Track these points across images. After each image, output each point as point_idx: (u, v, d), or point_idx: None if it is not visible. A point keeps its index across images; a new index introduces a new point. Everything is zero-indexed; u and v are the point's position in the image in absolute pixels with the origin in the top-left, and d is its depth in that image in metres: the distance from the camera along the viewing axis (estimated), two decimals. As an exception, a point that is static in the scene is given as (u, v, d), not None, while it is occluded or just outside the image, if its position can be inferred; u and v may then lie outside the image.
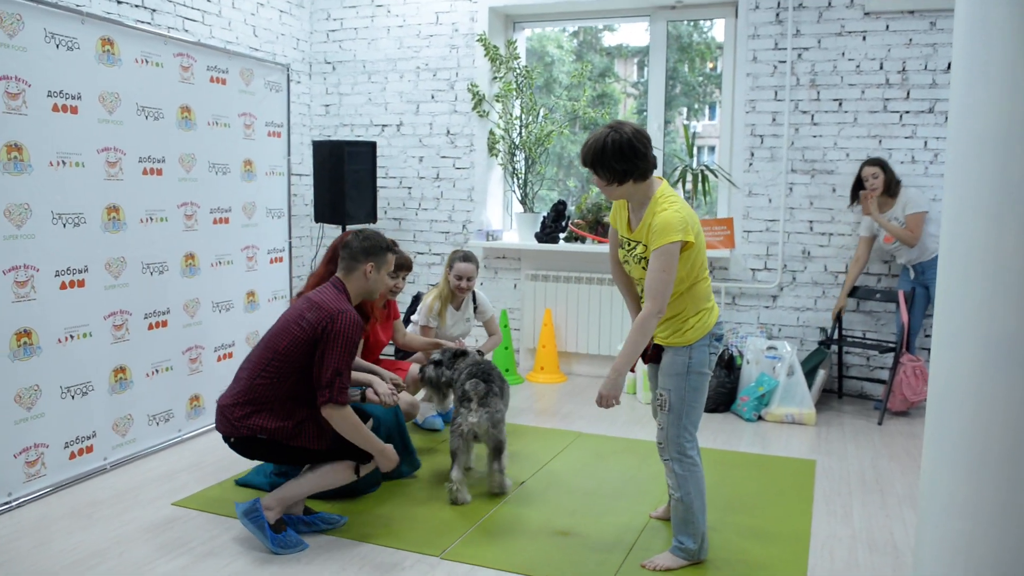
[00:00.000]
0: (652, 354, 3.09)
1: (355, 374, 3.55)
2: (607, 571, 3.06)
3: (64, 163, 3.69)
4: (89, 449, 3.88)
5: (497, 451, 3.71)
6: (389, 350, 4.74)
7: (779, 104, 5.49)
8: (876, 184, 5.04)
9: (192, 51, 4.40)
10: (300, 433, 3.11)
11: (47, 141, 3.61)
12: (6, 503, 3.48)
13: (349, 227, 5.63)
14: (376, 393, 3.52)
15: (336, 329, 3.02)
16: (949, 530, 1.92)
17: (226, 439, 3.16)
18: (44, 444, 3.65)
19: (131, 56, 4.01)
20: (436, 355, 4.05)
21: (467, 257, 4.69)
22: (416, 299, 5.59)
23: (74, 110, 3.73)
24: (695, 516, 3.04)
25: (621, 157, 2.79)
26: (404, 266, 4.30)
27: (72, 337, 3.77)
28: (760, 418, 5.09)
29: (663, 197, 2.88)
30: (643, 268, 2.91)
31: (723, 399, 5.23)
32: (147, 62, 4.11)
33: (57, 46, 3.63)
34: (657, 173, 3.01)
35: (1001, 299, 1.83)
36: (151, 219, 4.18)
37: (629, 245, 2.99)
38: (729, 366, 5.27)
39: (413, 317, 4.84)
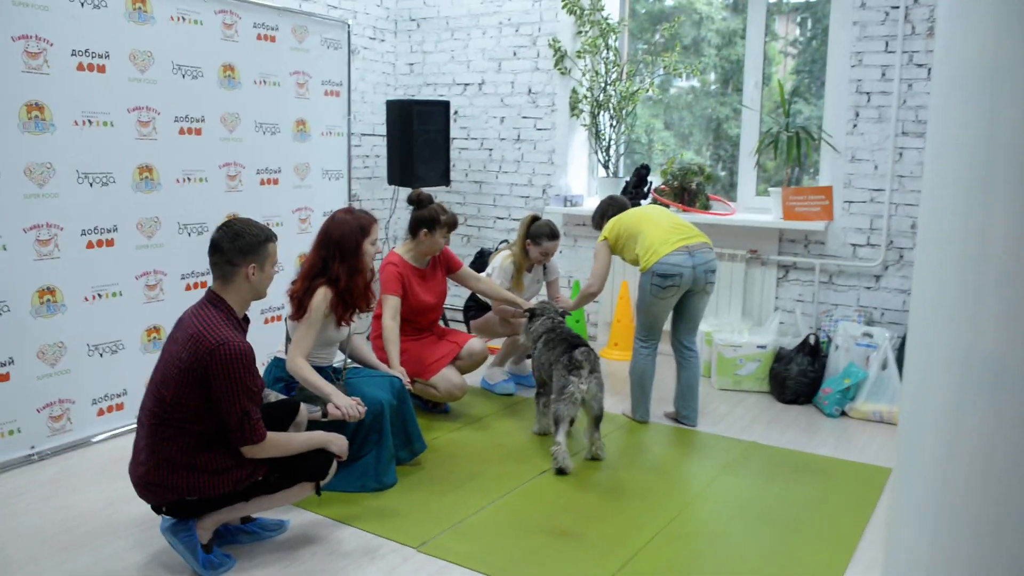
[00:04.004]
0: None
1: (315, 383, 3.23)
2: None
3: (90, 122, 3.70)
4: (120, 407, 3.94)
5: (597, 420, 3.76)
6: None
7: (890, 56, 4.79)
8: None
9: (236, 8, 4.32)
10: (233, 479, 2.67)
11: (71, 100, 3.62)
12: (28, 456, 3.58)
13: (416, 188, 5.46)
14: (337, 407, 3.16)
15: (219, 369, 2.53)
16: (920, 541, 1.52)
17: (155, 509, 2.72)
18: (70, 400, 3.73)
19: (165, 14, 3.97)
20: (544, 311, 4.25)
21: (554, 234, 4.66)
22: (480, 254, 5.43)
23: (101, 69, 3.72)
24: (631, 386, 4.30)
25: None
26: (452, 225, 4.20)
27: (100, 296, 3.82)
28: (844, 414, 4.52)
29: None
30: None
31: (804, 389, 4.68)
32: (184, 19, 4.06)
33: (82, 4, 3.62)
34: None
35: (980, 308, 1.38)
36: (188, 179, 4.17)
37: None
38: (814, 352, 4.71)
39: (483, 274, 4.70)
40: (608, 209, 4.46)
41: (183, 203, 4.13)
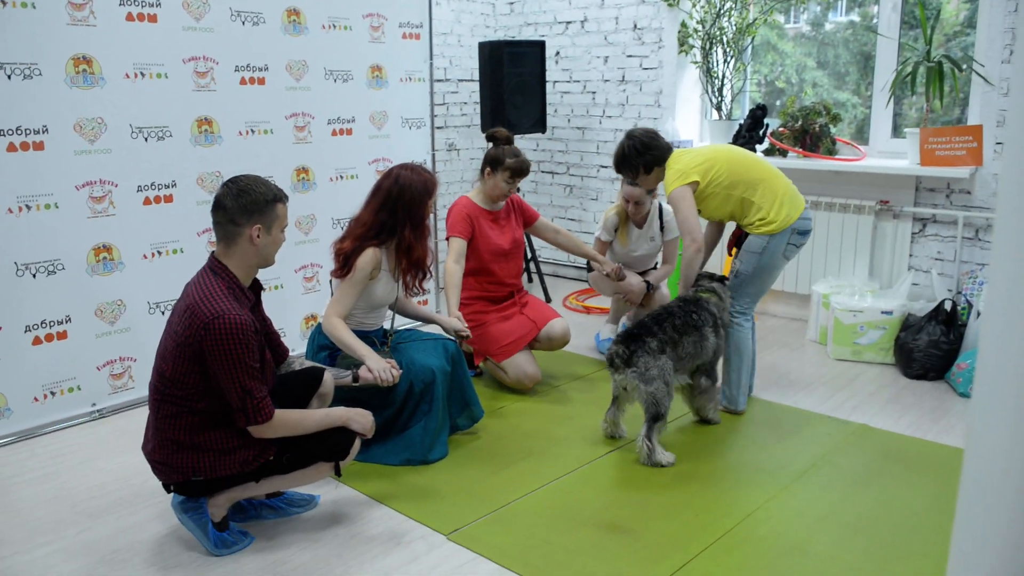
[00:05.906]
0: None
1: (350, 344, 2.99)
2: (631, 588, 2.40)
3: (143, 75, 3.58)
4: (185, 365, 3.88)
5: (650, 419, 3.18)
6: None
7: (1060, -36, 3.95)
8: None
9: (301, -53, 4.07)
10: (240, 460, 2.47)
11: (121, 53, 3.50)
12: (89, 412, 3.58)
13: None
14: (370, 370, 2.92)
15: (213, 344, 2.31)
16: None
17: (165, 487, 2.57)
18: (131, 358, 3.69)
19: (221, -43, 3.77)
20: None
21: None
22: None
23: (152, 18, 3.58)
24: (730, 369, 3.62)
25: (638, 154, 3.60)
26: (518, 171, 3.80)
27: (160, 253, 3.74)
28: (981, 394, 3.86)
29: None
30: None
31: (935, 363, 4.03)
32: (242, -38, 3.85)
33: (130, -50, 3.48)
34: None
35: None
36: (252, 131, 4.00)
37: None
38: (950, 320, 4.04)
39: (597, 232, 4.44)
40: (646, 150, 3.57)
41: (247, 156, 3.97)
